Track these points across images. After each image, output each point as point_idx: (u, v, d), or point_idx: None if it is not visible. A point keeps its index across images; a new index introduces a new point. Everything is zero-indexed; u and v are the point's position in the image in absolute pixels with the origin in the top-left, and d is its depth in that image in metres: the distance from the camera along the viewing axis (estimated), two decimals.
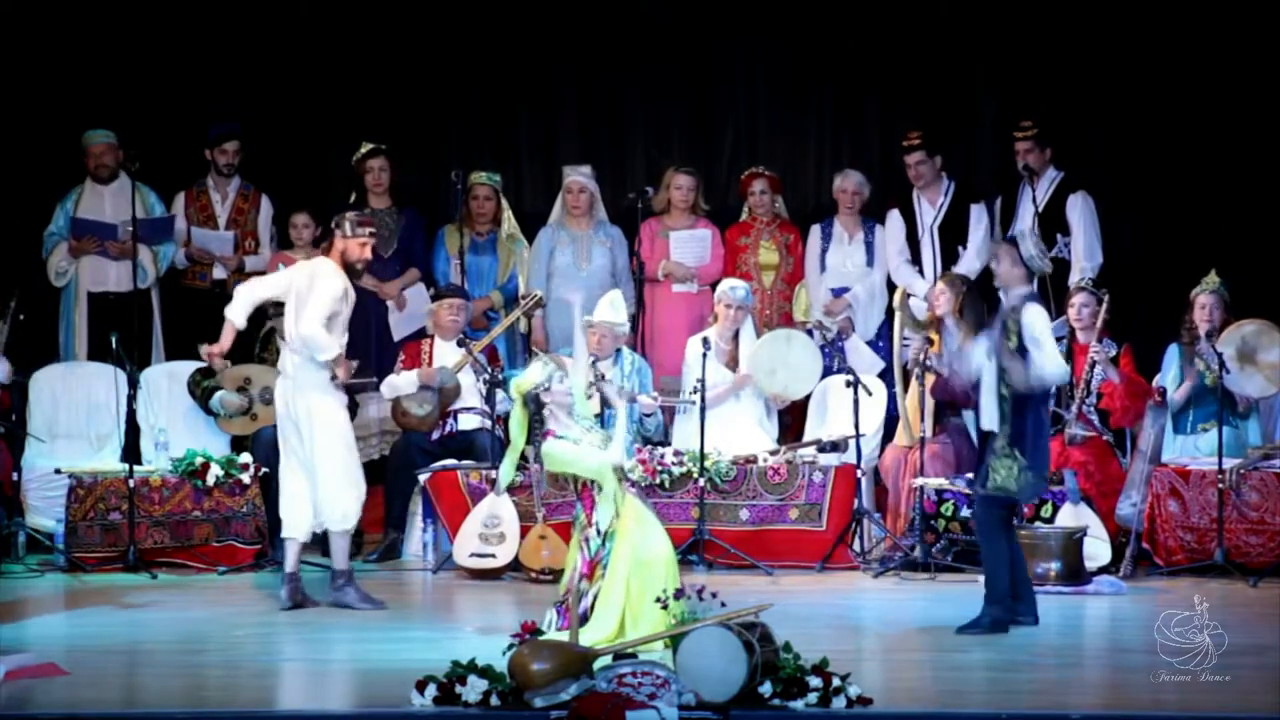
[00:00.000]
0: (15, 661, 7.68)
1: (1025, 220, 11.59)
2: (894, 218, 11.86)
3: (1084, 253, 11.53)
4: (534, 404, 8.23)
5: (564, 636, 7.51)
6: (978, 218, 11.76)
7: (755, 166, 12.09)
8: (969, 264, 11.66)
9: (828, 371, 11.51)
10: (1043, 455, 8.82)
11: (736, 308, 11.14)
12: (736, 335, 11.24)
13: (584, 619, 7.80)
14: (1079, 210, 11.58)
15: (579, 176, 11.85)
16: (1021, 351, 8.67)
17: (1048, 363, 8.66)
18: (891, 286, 11.71)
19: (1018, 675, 7.97)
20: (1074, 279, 11.33)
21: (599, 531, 8.09)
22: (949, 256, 11.70)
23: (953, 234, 11.74)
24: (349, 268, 9.31)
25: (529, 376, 8.32)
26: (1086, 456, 10.72)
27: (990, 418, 8.76)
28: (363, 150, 11.89)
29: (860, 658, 8.34)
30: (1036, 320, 8.71)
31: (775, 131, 12.62)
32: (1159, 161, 11.98)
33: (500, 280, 11.97)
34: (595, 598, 7.98)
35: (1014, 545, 8.90)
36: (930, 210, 11.79)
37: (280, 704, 7.46)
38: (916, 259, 11.77)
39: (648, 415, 11.01)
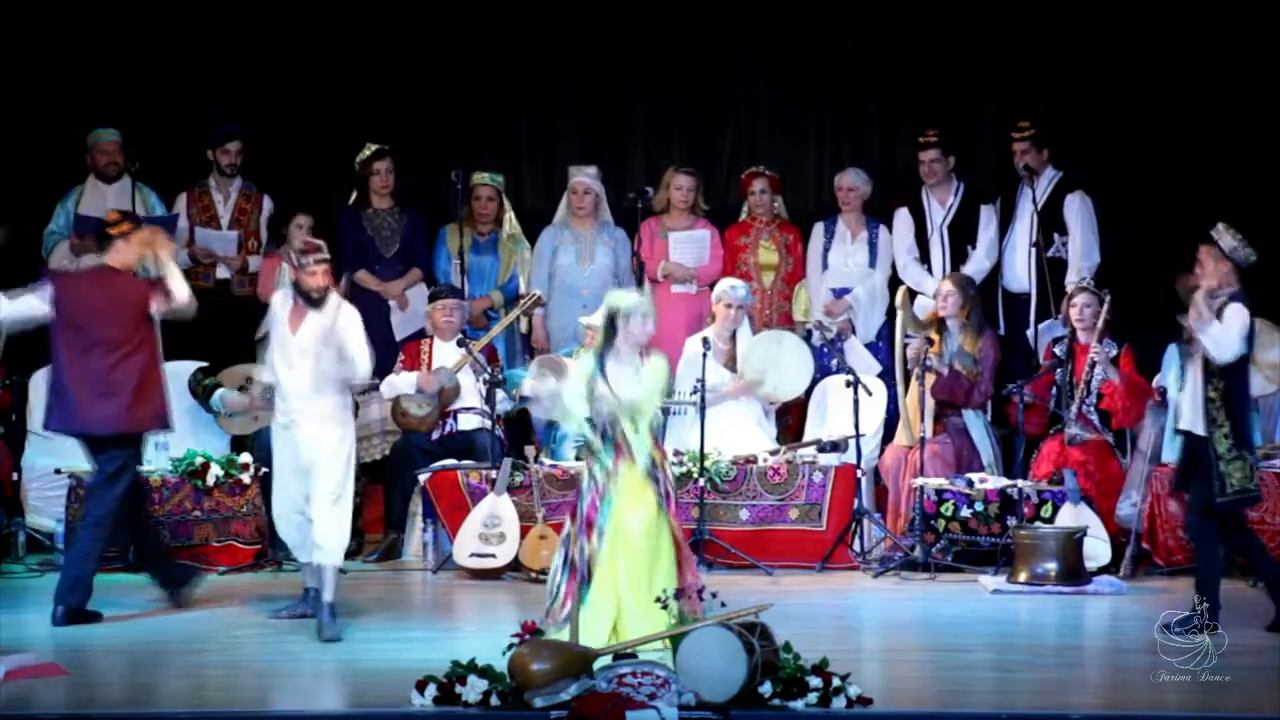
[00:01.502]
0: (15, 661, 7.69)
1: (1024, 220, 11.56)
2: (902, 216, 11.86)
3: (1081, 252, 11.52)
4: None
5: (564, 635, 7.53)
6: (987, 219, 11.76)
7: (755, 166, 12.09)
8: (978, 264, 11.67)
9: (827, 371, 11.51)
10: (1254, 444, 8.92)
11: (736, 307, 11.13)
12: (734, 335, 11.24)
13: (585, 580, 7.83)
14: (1076, 210, 11.58)
15: (584, 177, 11.85)
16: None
17: (1221, 337, 8.67)
18: (893, 287, 11.72)
19: (1018, 675, 7.97)
20: (1071, 279, 11.33)
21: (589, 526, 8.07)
22: (958, 256, 11.71)
23: (962, 234, 11.74)
24: (306, 296, 8.95)
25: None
26: (1086, 457, 10.72)
27: (1194, 420, 8.73)
28: (368, 152, 11.88)
29: (860, 658, 8.34)
30: (1234, 318, 8.68)
31: (775, 131, 12.62)
32: (1160, 161, 11.97)
33: (501, 280, 11.97)
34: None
35: (1256, 538, 9.06)
36: (940, 210, 11.80)
37: (280, 704, 7.46)
38: (925, 258, 11.78)
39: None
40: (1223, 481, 8.64)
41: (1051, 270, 11.43)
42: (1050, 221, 11.53)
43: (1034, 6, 12.11)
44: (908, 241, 11.82)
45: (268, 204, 12.05)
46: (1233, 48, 11.82)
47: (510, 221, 12.06)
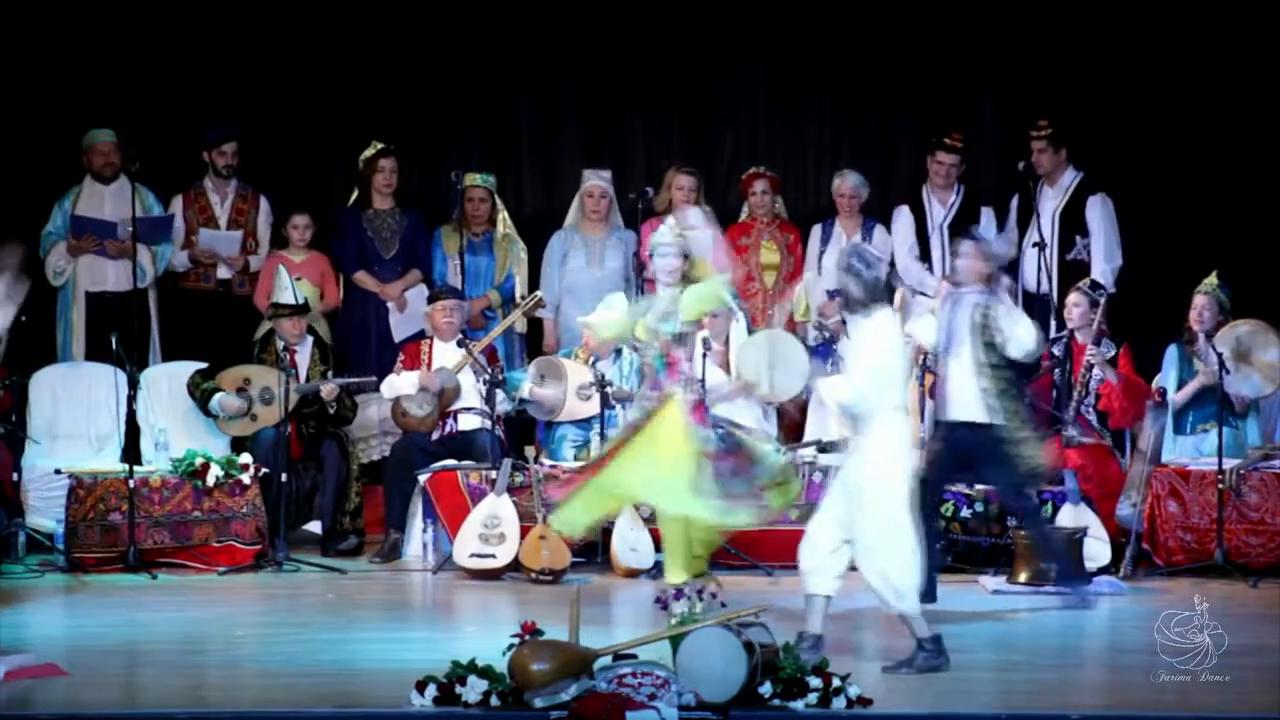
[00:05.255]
0: (15, 661, 7.68)
1: (1045, 222, 11.49)
2: (903, 214, 11.85)
3: (1103, 255, 11.46)
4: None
5: None
6: (988, 220, 11.74)
7: (756, 166, 12.09)
8: None
9: (825, 372, 11.50)
10: None
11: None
12: (726, 338, 11.22)
13: None
14: (1098, 212, 11.54)
15: (599, 181, 11.84)
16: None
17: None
18: (890, 288, 11.69)
19: (1018, 675, 7.98)
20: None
21: None
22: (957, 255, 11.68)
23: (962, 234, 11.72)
24: None
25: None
26: (1084, 459, 10.70)
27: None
28: (372, 150, 11.87)
29: (860, 658, 8.33)
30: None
31: (775, 131, 12.62)
32: (1157, 161, 11.97)
33: (497, 280, 11.97)
34: None
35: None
36: (941, 209, 11.79)
37: (280, 704, 7.45)
38: (925, 256, 11.77)
39: None
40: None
41: (1073, 273, 11.34)
42: (1071, 223, 11.50)
43: (1033, 6, 12.11)
44: (909, 240, 11.81)
45: (265, 204, 12.05)
46: (1235, 46, 11.82)
47: (504, 221, 12.06)
